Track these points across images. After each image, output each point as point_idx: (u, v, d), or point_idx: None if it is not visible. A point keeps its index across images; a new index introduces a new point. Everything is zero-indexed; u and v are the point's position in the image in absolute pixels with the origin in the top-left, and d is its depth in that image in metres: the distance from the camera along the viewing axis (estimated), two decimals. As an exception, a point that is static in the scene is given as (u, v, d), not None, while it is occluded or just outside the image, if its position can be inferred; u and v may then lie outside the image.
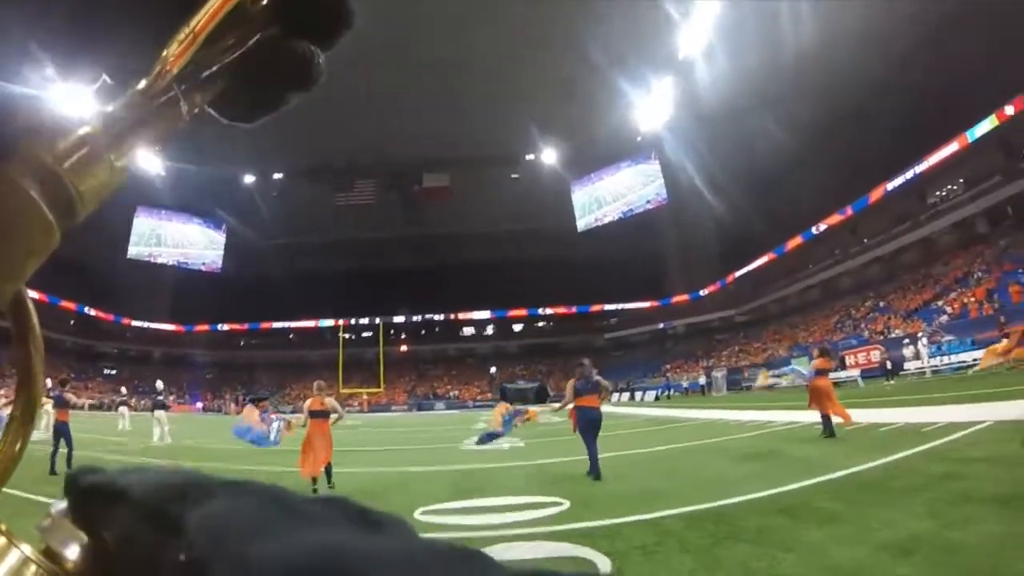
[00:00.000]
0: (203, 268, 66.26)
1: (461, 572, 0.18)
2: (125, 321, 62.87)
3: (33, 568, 0.23)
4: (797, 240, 48.22)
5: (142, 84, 0.29)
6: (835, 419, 9.11)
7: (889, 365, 24.42)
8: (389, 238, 67.11)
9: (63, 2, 0.27)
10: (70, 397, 9.50)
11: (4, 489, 0.27)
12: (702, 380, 37.88)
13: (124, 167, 0.29)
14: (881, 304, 36.70)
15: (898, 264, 40.78)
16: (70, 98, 0.27)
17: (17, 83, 0.25)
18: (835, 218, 44.26)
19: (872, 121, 39.24)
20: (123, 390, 24.96)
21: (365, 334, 67.12)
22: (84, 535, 0.24)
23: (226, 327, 69.50)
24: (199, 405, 53.94)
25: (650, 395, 37.45)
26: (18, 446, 0.27)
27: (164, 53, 0.29)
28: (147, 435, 14.57)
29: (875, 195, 40.46)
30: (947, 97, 33.95)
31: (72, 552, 0.23)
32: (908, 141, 36.37)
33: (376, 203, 63.43)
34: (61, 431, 8.91)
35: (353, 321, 67.96)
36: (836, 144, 43.04)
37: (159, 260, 63.00)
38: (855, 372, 25.42)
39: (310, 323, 69.24)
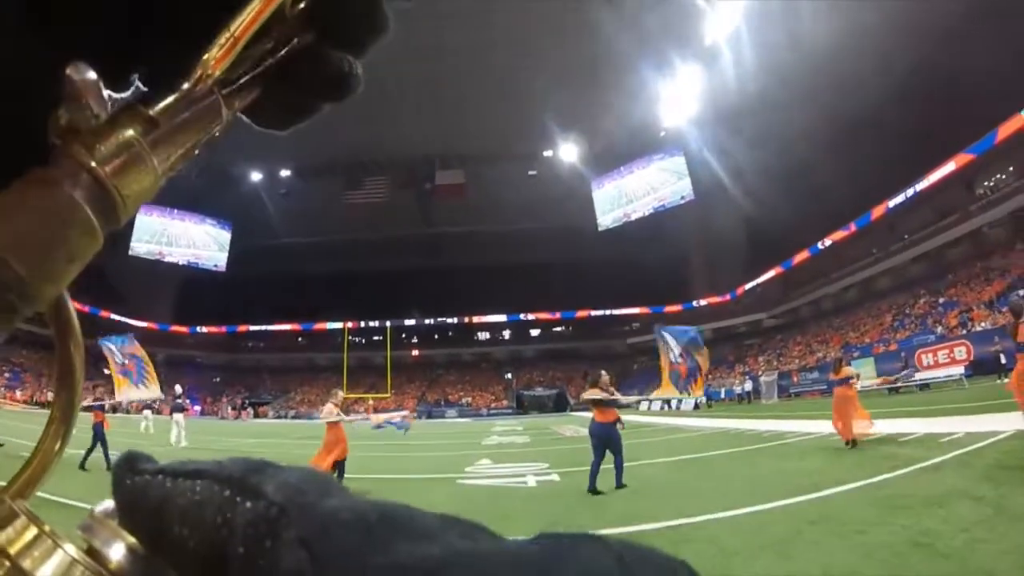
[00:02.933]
0: (215, 268, 63.86)
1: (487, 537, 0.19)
2: (128, 321, 60.32)
3: (79, 570, 0.22)
4: (830, 239, 44.98)
5: (184, 88, 0.29)
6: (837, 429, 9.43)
7: (1003, 359, 20.34)
8: (401, 237, 64.17)
9: (103, 7, 0.27)
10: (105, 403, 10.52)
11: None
12: (748, 386, 34.18)
13: (166, 171, 0.28)
14: (941, 300, 33.20)
15: (947, 259, 37.51)
16: (113, 101, 0.27)
17: (59, 87, 0.25)
18: (872, 215, 41.07)
19: (908, 112, 35.81)
20: (148, 394, 25.92)
21: (376, 337, 64.35)
22: (128, 535, 0.23)
23: (231, 329, 66.99)
24: (197, 409, 51.15)
25: (687, 403, 34.03)
26: (57, 446, 0.27)
27: (205, 57, 0.28)
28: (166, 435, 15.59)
29: (914, 189, 37.42)
30: (990, 83, 30.68)
31: (116, 552, 0.22)
32: (949, 131, 33.26)
33: (388, 201, 60.74)
34: (97, 432, 9.54)
35: (363, 324, 65.17)
36: (869, 139, 39.70)
37: (164, 259, 60.57)
38: (955, 370, 21.05)
39: (318, 326, 66.45)
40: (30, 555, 0.21)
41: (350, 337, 57.28)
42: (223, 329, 66.84)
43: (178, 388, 17.28)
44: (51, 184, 0.24)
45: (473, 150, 57.28)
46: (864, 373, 27.02)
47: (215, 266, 64.06)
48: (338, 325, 62.93)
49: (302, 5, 0.31)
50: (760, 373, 36.23)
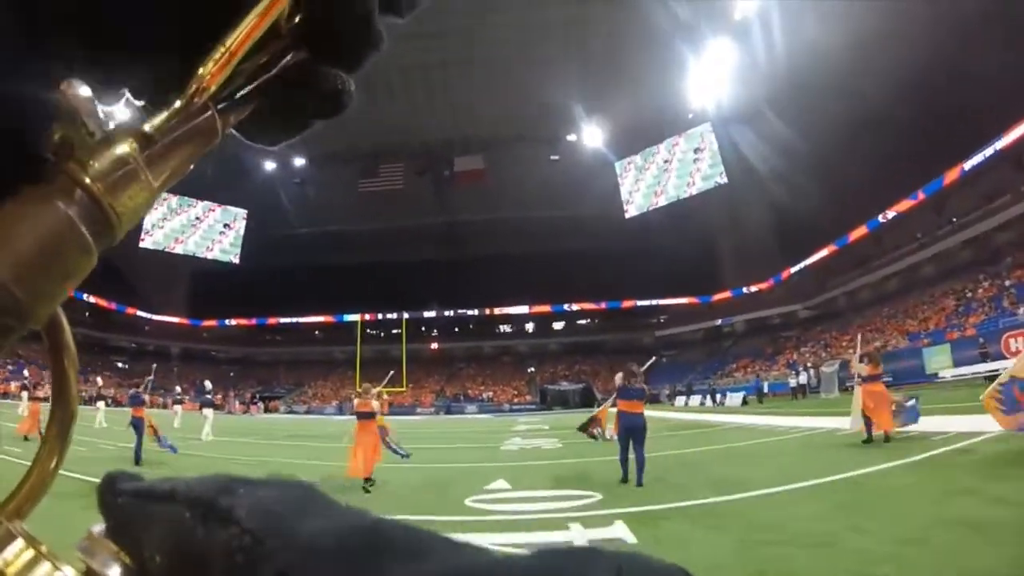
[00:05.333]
0: (233, 261, 62.20)
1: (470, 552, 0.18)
2: (142, 314, 59.32)
3: None
4: (893, 211, 41.48)
5: (178, 103, 0.28)
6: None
7: None
8: (419, 226, 61.96)
9: (97, 21, 0.27)
10: (145, 398, 11.12)
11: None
12: (803, 378, 31.27)
13: (161, 187, 0.28)
14: (1008, 283, 30.23)
15: (996, 242, 34.88)
16: (107, 117, 0.26)
17: (52, 103, 0.24)
18: (944, 180, 37.31)
19: (955, 88, 32.77)
20: (178, 389, 28.12)
21: (395, 330, 62.38)
22: (125, 556, 0.23)
23: (246, 322, 65.50)
24: (208, 404, 49.73)
25: (733, 398, 31.41)
26: (53, 463, 0.27)
27: (200, 71, 0.28)
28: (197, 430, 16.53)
29: (994, 148, 33.79)
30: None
31: (113, 573, 0.22)
32: (1000, 105, 30.42)
33: (404, 189, 58.76)
34: (136, 426, 10.09)
35: (380, 316, 63.20)
36: (911, 118, 36.14)
37: (175, 251, 59.03)
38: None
39: (334, 318, 64.60)
40: None
41: (367, 330, 55.44)
42: (252, 322, 65.40)
43: (208, 384, 19.40)
44: (46, 202, 0.23)
45: (492, 135, 55.16)
46: (940, 362, 24.45)
47: (234, 258, 62.50)
48: (354, 317, 61.09)
49: (297, 19, 0.31)
50: (809, 365, 33.37)
